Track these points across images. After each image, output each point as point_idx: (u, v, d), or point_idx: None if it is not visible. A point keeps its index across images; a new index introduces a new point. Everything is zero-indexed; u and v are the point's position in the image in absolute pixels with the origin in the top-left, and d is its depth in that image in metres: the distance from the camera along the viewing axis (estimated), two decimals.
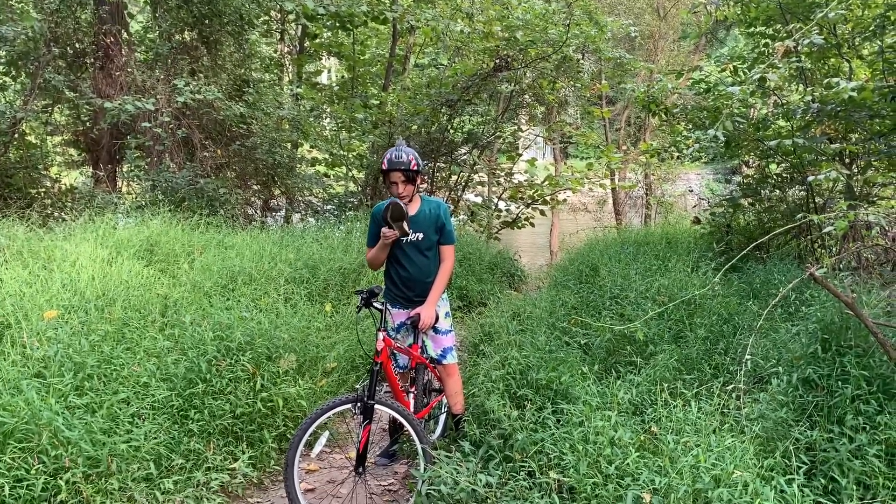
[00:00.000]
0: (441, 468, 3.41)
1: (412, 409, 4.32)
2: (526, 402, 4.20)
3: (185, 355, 4.49)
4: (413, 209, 4.24)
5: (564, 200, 14.47)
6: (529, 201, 13.61)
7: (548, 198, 13.43)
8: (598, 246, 9.93)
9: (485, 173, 14.68)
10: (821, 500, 3.00)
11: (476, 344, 6.56)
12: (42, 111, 11.36)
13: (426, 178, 12.76)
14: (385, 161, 4.10)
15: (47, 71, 10.16)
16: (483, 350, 5.99)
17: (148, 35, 12.87)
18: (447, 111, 12.01)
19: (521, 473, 3.33)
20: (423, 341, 4.42)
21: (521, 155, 15.46)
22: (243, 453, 4.22)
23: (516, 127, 15.06)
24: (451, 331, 4.46)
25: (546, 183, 13.28)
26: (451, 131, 12.95)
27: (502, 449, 3.73)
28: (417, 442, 3.75)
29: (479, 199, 14.56)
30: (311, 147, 14.62)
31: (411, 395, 4.42)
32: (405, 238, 4.22)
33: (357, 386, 3.82)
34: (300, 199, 13.68)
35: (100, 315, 4.90)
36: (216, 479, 3.92)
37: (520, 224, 13.68)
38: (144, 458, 3.63)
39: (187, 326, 4.80)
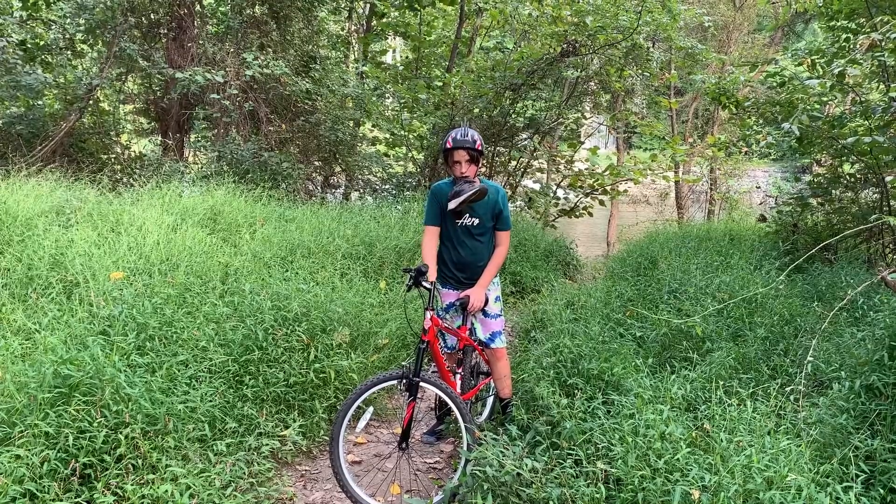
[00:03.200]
0: (487, 450, 3.41)
1: (458, 390, 4.32)
2: (576, 391, 4.17)
3: (243, 322, 4.60)
4: None
5: (625, 191, 14.25)
6: (589, 190, 13.44)
7: (608, 187, 13.24)
8: (659, 239, 9.76)
9: (545, 160, 14.54)
10: None
11: (528, 330, 6.54)
12: (116, 79, 11.70)
13: (486, 161, 12.71)
14: (450, 140, 4.06)
15: (123, 40, 10.45)
16: (535, 336, 5.97)
17: (220, 8, 13.11)
18: (511, 95, 11.91)
19: (568, 461, 3.30)
20: (473, 324, 4.42)
21: (583, 143, 15.26)
22: (294, 421, 4.30)
23: (580, 114, 14.85)
24: (500, 315, 4.43)
25: (607, 172, 13.08)
26: (514, 116, 12.84)
27: (549, 435, 3.71)
28: (461, 422, 3.77)
29: (537, 186, 14.44)
30: (373, 126, 14.71)
31: (458, 376, 4.42)
32: (458, 220, 4.20)
33: (404, 363, 3.83)
34: (360, 177, 13.80)
35: (163, 279, 5.04)
36: (267, 444, 4.01)
37: (578, 213, 13.52)
38: (200, 419, 3.73)
39: (246, 295, 4.91)
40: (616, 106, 15.24)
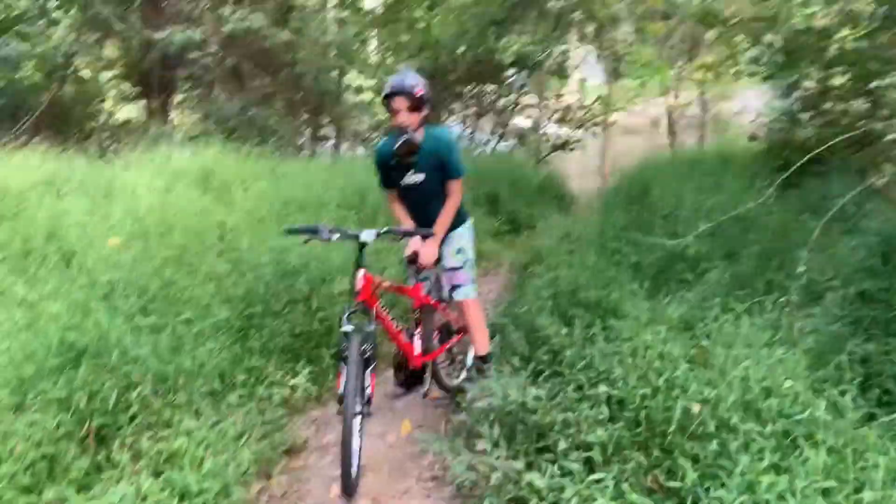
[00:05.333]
0: (491, 383, 3.49)
1: (417, 352, 4.06)
2: (575, 320, 4.21)
3: (244, 278, 4.63)
4: None
5: (615, 122, 14.16)
6: (580, 123, 13.35)
7: (599, 118, 13.16)
8: (651, 166, 9.73)
9: (535, 94, 14.39)
10: (875, 410, 2.97)
11: (525, 264, 6.58)
12: (94, 44, 11.49)
13: (475, 101, 12.59)
14: (387, 86, 3.76)
15: (97, 3, 10.24)
16: (532, 270, 6.02)
17: None
18: (495, 30, 11.73)
19: (570, 387, 3.38)
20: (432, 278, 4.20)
21: (570, 76, 15.08)
22: (303, 369, 4.37)
23: (566, 46, 14.63)
24: (461, 267, 4.14)
25: (597, 103, 12.98)
26: (499, 52, 12.65)
27: (551, 364, 3.78)
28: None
29: (528, 122, 14.33)
30: (360, 72, 14.49)
31: (416, 337, 4.10)
32: (402, 181, 3.97)
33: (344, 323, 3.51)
34: (348, 127, 13.68)
35: (160, 241, 5.06)
36: (277, 393, 4.08)
37: (570, 147, 13.46)
38: (209, 374, 3.80)
39: (244, 251, 4.93)
40: (602, 35, 14.99)
